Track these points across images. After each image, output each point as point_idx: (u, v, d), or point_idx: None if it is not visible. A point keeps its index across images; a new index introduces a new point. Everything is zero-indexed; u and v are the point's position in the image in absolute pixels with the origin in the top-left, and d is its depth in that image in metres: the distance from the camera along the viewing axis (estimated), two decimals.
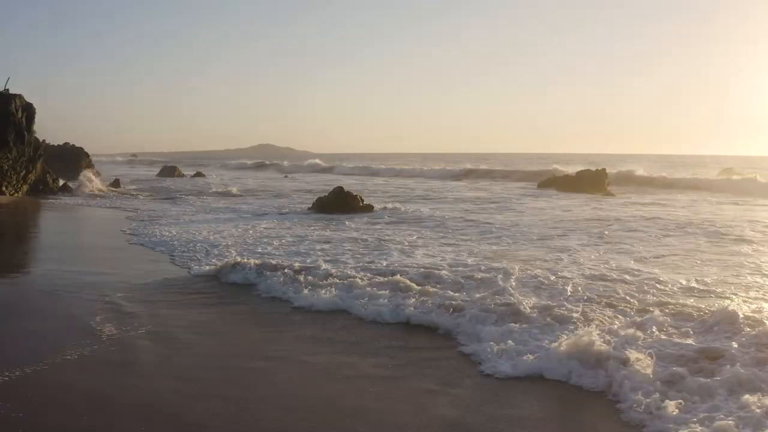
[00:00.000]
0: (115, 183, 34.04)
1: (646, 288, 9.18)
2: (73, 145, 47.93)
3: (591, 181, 34.76)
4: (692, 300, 8.53)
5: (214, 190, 33.88)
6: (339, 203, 20.87)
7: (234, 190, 32.82)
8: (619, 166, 48.78)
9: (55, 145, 45.61)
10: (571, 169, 40.65)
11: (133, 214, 20.69)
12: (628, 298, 8.61)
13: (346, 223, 17.49)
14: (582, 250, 12.74)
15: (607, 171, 39.22)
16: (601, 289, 9.16)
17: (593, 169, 37.11)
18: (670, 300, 8.41)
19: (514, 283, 9.18)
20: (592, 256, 11.91)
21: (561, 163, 60.65)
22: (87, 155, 47.54)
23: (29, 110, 27.77)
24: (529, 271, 10.26)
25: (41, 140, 48.87)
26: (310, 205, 21.58)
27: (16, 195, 25.89)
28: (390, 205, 21.76)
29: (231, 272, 10.58)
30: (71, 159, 45.65)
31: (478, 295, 8.44)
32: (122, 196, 28.97)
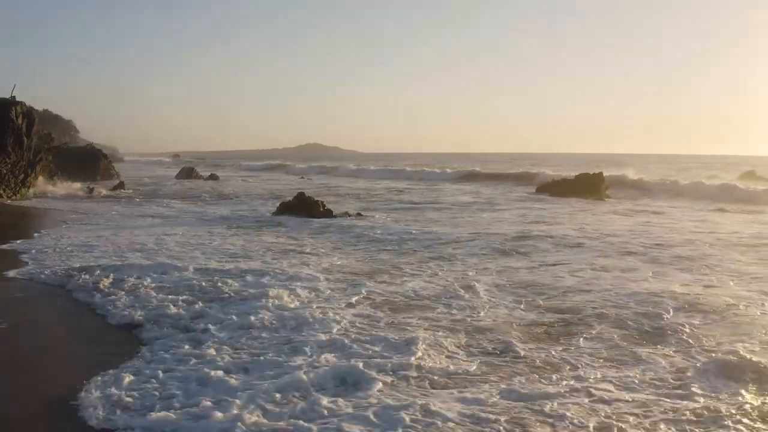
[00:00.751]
0: (120, 185, 35.52)
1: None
2: (93, 146, 50.08)
3: (587, 185, 34.76)
4: None
5: (208, 190, 35.29)
6: (302, 208, 21.66)
7: (229, 192, 34.01)
8: (632, 169, 48.21)
9: (75, 146, 47.81)
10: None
11: (75, 216, 21.46)
12: None
13: (281, 230, 18.03)
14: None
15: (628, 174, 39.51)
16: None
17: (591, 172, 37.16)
18: None
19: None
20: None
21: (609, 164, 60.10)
22: (105, 156, 49.58)
23: (30, 117, 29.39)
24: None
25: (63, 142, 51.31)
26: (275, 210, 22.41)
27: (14, 198, 27.45)
28: (352, 212, 22.38)
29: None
30: (90, 160, 47.75)
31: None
32: (104, 198, 30.12)
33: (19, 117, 28.60)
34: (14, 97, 31.23)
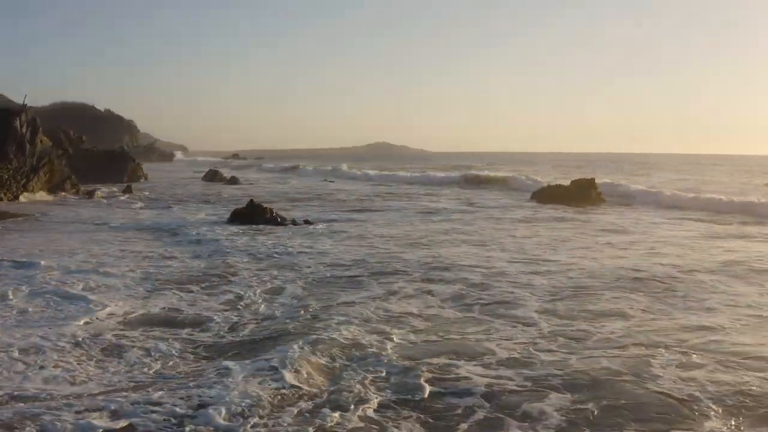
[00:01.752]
0: (128, 189, 37.89)
1: None
2: (122, 148, 53.20)
3: (578, 192, 34.82)
4: None
5: (210, 194, 37.38)
6: (251, 215, 23.08)
7: (226, 195, 35.91)
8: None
9: (99, 149, 50.97)
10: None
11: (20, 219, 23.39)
12: None
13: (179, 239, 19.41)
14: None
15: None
16: None
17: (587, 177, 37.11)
18: None
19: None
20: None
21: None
22: (133, 159, 52.56)
23: (34, 124, 32.05)
24: None
25: (93, 147, 54.52)
26: (229, 216, 23.86)
27: (14, 201, 29.99)
28: (299, 220, 23.60)
29: None
30: (116, 163, 50.81)
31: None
32: (93, 202, 32.07)
33: (23, 125, 31.28)
34: (26, 104, 34.12)
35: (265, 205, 23.62)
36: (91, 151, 51.88)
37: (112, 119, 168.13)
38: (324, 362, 7.96)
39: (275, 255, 15.86)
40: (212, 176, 55.17)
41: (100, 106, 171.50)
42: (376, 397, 6.92)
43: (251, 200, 23.79)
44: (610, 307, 10.80)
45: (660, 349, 8.51)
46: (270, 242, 18.20)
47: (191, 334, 9.26)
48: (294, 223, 22.95)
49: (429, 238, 19.13)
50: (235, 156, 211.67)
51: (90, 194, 34.28)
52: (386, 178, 58.45)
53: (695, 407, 6.69)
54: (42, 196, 32.61)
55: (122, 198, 34.41)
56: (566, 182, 36.81)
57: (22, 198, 30.66)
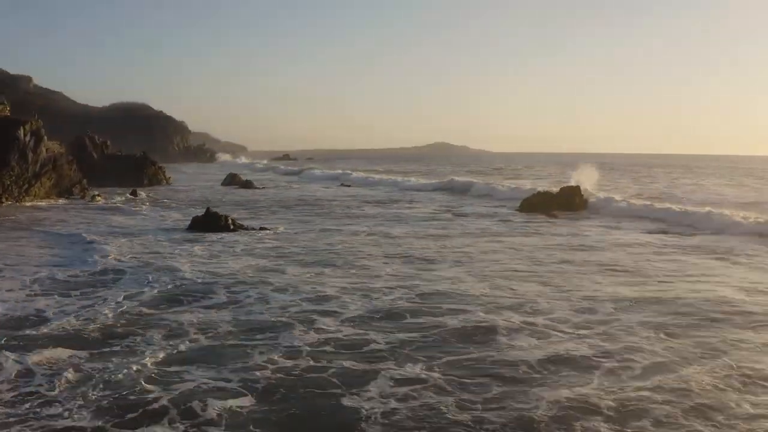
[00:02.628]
0: (134, 193, 40.31)
1: None
2: (143, 154, 56.02)
3: (561, 200, 35.17)
4: None
5: (211, 198, 39.35)
6: (208, 222, 24.73)
7: (219, 199, 37.83)
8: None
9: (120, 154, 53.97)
10: None
11: None
12: None
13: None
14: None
15: None
16: None
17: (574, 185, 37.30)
18: None
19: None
20: None
21: None
22: (153, 164, 55.30)
23: (38, 134, 34.70)
24: None
25: (137, 153, 57.51)
26: (189, 223, 25.56)
27: (16, 204, 32.62)
28: (256, 226, 25.10)
29: None
30: (138, 167, 53.70)
31: None
32: (83, 206, 34.29)
33: (27, 134, 33.95)
34: (36, 116, 36.84)
35: (221, 214, 25.15)
36: (114, 155, 55.02)
37: (163, 120, 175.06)
38: None
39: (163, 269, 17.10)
40: (230, 180, 57.31)
41: (163, 106, 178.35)
42: None
43: (208, 209, 25.41)
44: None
45: None
46: (185, 251, 19.78)
47: None
48: (246, 229, 24.48)
49: (349, 251, 20.19)
50: (286, 156, 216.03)
51: (93, 198, 36.70)
52: (395, 184, 59.28)
53: None
54: (51, 199, 35.40)
55: (118, 201, 36.71)
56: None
57: (26, 202, 33.36)
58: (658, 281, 15.64)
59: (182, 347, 10.34)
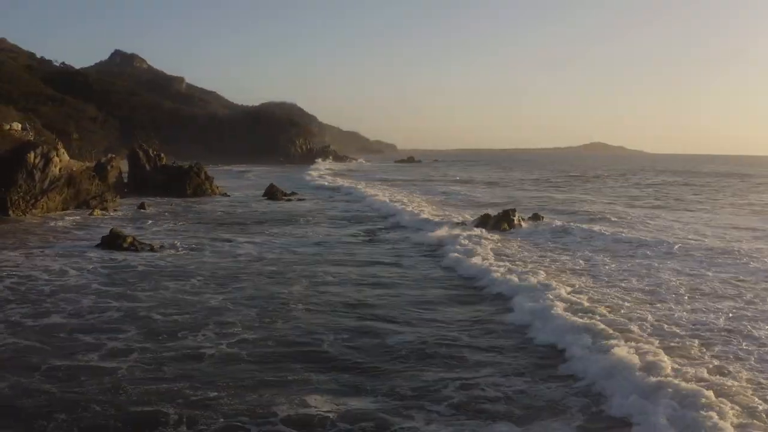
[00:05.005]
0: (141, 206, 46.51)
1: None
2: (190, 166, 62.83)
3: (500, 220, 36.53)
4: None
5: (213, 211, 44.60)
6: (113, 241, 29.48)
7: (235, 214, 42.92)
8: None
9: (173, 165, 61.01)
10: None
11: None
12: None
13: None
14: None
15: None
16: None
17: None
18: None
19: None
20: None
21: None
22: (197, 174, 61.71)
23: (48, 156, 41.62)
24: None
25: (172, 162, 64.74)
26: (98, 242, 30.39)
27: (23, 216, 39.55)
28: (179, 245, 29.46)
29: None
30: (182, 178, 60.53)
31: None
32: (77, 221, 40.29)
33: (36, 157, 40.98)
34: (51, 140, 43.95)
35: (124, 234, 29.75)
36: (165, 167, 62.33)
37: (287, 123, 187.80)
38: None
39: None
40: (268, 191, 62.03)
41: (311, 106, 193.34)
42: None
43: (111, 230, 30.16)
44: None
45: None
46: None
47: None
48: (147, 249, 28.77)
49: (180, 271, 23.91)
50: (411, 159, 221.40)
51: (93, 212, 43.03)
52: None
53: None
54: (60, 211, 42.26)
55: (116, 214, 42.81)
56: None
57: (35, 212, 40.36)
58: None
59: None
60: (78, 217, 40.26)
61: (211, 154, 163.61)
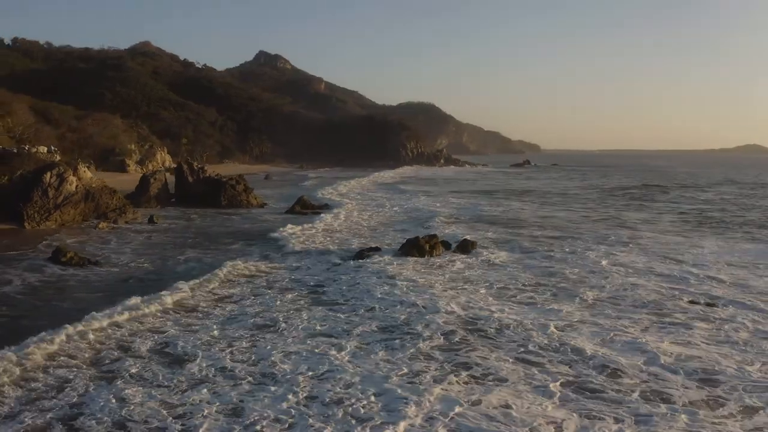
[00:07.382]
0: (151, 219, 53.22)
1: None
2: (229, 178, 69.29)
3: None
4: None
5: (218, 230, 50.49)
6: (58, 256, 35.72)
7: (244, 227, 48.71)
8: None
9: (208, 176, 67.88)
10: None
11: None
12: None
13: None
14: None
15: None
16: None
17: None
18: None
19: None
20: None
21: None
22: (231, 186, 67.84)
23: (62, 176, 49.18)
24: None
25: (215, 174, 71.36)
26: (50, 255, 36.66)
27: (36, 226, 47.31)
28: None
29: None
30: (216, 190, 67.15)
31: None
32: (75, 232, 47.31)
33: (52, 176, 48.73)
34: (66, 162, 51.64)
35: (67, 251, 35.74)
36: (206, 179, 69.29)
37: (397, 127, 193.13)
38: None
39: None
40: (299, 201, 66.85)
41: (449, 105, 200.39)
42: None
43: (57, 247, 36.30)
44: None
45: None
46: None
47: None
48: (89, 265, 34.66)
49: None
50: (526, 162, 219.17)
51: (98, 225, 50.02)
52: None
53: None
54: (73, 223, 49.79)
55: (116, 226, 49.61)
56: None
57: (48, 224, 48.06)
58: None
59: None
60: (78, 230, 47.48)
61: (322, 157, 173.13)
